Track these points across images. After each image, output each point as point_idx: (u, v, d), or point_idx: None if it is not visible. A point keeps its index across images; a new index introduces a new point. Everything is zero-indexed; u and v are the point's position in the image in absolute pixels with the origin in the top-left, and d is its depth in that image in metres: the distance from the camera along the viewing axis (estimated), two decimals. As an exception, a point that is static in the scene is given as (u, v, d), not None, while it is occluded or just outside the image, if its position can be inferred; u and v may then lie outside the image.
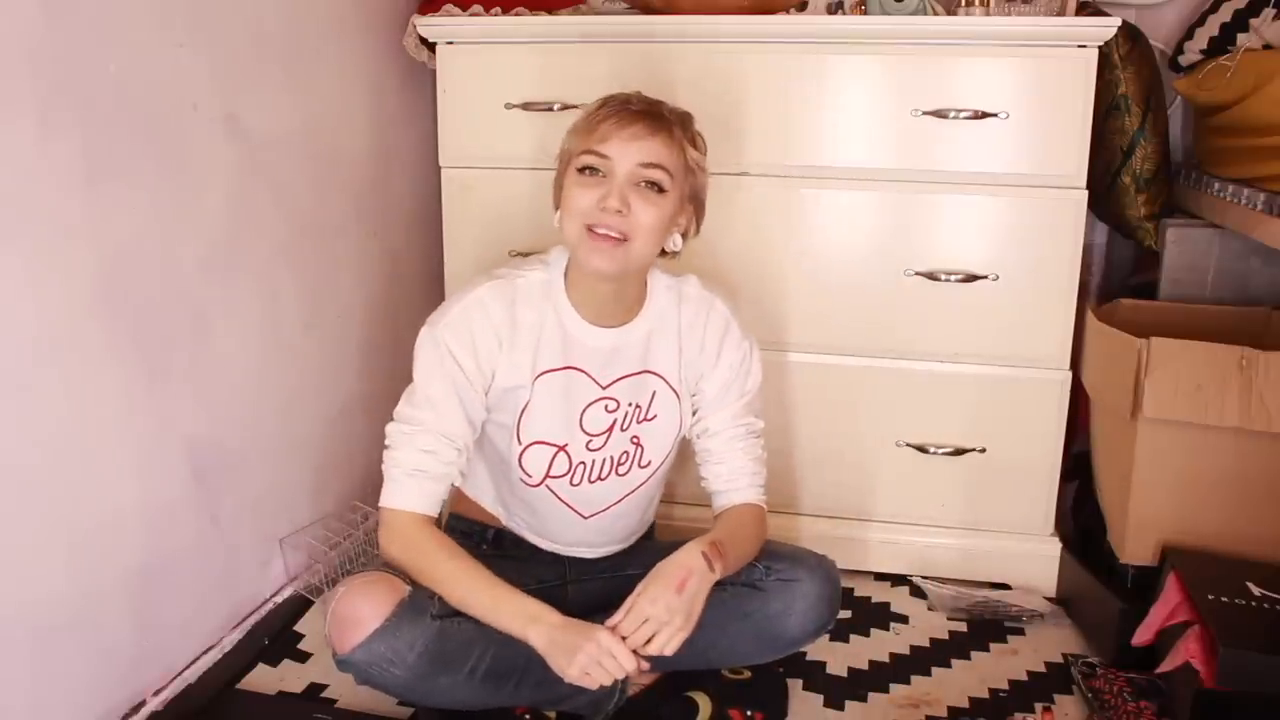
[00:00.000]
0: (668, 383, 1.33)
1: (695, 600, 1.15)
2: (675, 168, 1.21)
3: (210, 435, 1.35)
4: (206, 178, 1.31)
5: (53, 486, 1.10)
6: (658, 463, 1.36)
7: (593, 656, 1.09)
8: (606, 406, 1.30)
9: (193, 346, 1.31)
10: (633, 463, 1.34)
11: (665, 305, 1.33)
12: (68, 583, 1.13)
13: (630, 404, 1.31)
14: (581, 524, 1.36)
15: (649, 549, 1.44)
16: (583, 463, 1.31)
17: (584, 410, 1.29)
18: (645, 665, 1.12)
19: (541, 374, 1.27)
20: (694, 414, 1.37)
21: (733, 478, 1.35)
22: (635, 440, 1.33)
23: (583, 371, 1.29)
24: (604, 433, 1.31)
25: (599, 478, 1.33)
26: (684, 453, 1.47)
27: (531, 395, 1.27)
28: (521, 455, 1.30)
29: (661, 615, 1.12)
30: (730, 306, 1.37)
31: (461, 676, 1.19)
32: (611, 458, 1.32)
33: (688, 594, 1.14)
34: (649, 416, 1.33)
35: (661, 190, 1.20)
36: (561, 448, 1.30)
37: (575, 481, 1.32)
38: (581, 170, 1.20)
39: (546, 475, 1.31)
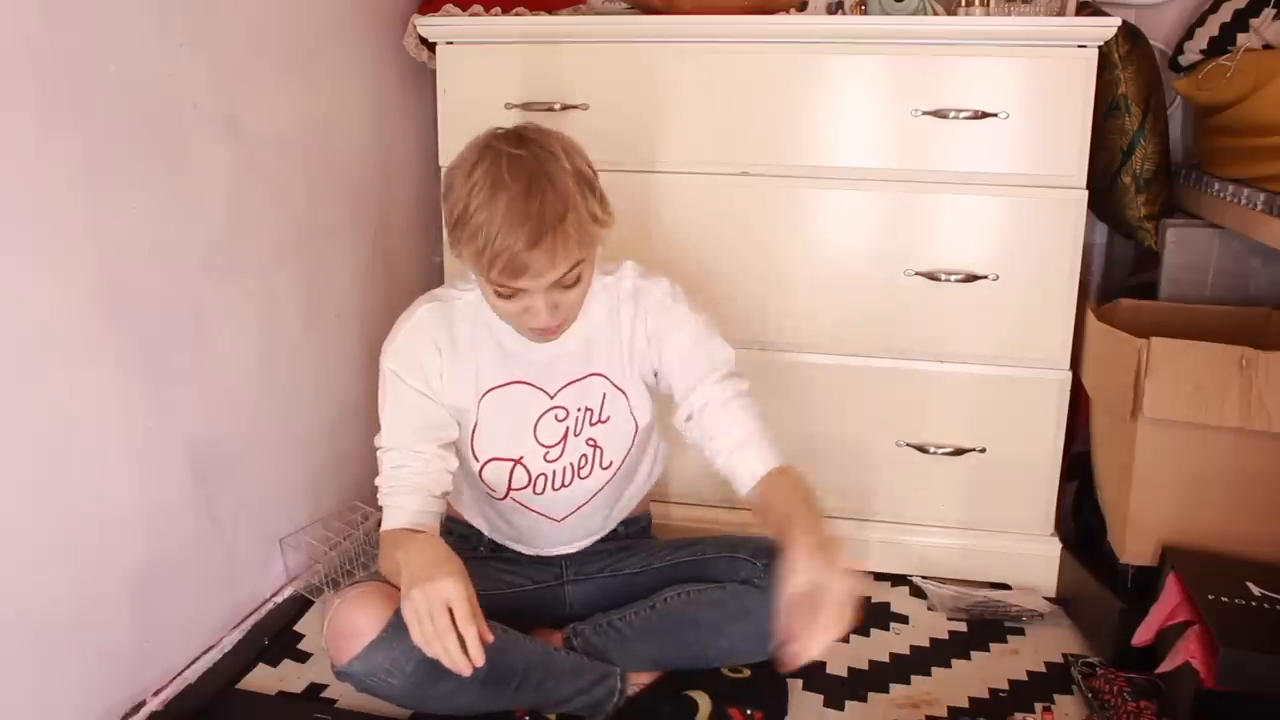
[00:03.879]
0: (613, 382, 1.31)
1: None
2: (586, 249, 1.14)
3: (210, 435, 1.35)
4: (206, 178, 1.31)
5: (53, 486, 1.10)
6: (619, 462, 1.35)
7: (416, 610, 1.02)
8: (557, 415, 1.30)
9: (193, 346, 1.31)
10: (593, 465, 1.33)
11: (602, 307, 1.29)
12: (68, 583, 1.13)
13: (580, 409, 1.30)
14: (556, 526, 1.37)
15: (648, 548, 1.44)
16: (543, 474, 1.31)
17: (536, 422, 1.29)
18: (479, 661, 1.02)
19: (487, 392, 1.27)
20: (674, 399, 1.29)
21: (747, 442, 1.21)
22: (591, 443, 1.32)
23: (528, 383, 1.28)
24: (559, 442, 1.31)
25: (562, 485, 1.33)
26: (675, 449, 1.47)
27: (479, 416, 1.28)
28: (481, 471, 1.31)
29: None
30: (670, 288, 1.29)
31: (460, 683, 1.19)
32: (571, 465, 1.32)
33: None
34: (602, 419, 1.32)
35: (580, 276, 1.16)
36: (517, 461, 1.30)
37: (539, 490, 1.33)
38: (495, 291, 1.15)
39: (509, 489, 1.32)
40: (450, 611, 1.03)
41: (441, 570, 1.05)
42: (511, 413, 1.29)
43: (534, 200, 1.08)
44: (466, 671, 1.02)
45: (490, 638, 1.05)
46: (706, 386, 1.26)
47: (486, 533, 1.44)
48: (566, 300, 1.17)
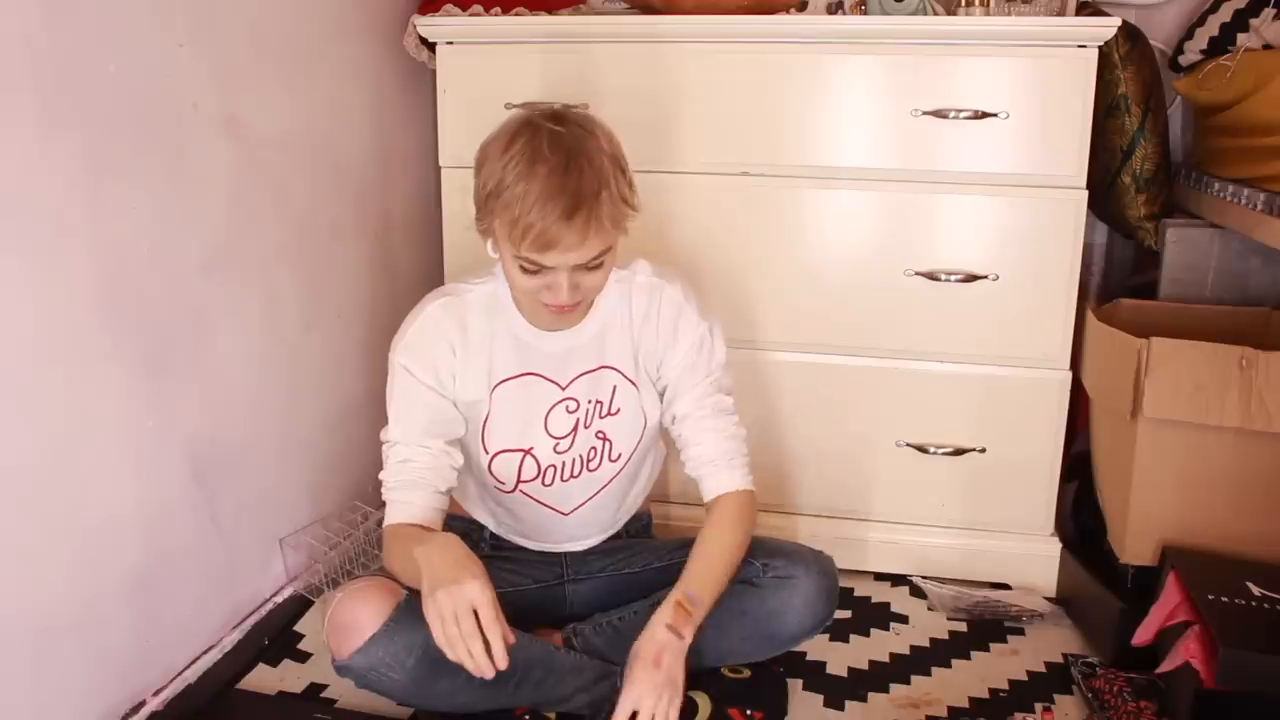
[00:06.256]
0: (625, 376, 1.32)
1: (674, 670, 1.13)
2: (616, 231, 1.17)
3: (210, 435, 1.35)
4: (206, 178, 1.31)
5: (53, 486, 1.10)
6: (627, 455, 1.35)
7: (441, 612, 1.03)
8: (568, 407, 1.30)
9: (193, 346, 1.31)
10: (602, 458, 1.34)
11: (615, 300, 1.31)
12: (68, 583, 1.13)
13: (590, 400, 1.31)
14: (564, 520, 1.37)
15: (648, 548, 1.44)
16: (552, 465, 1.32)
17: (547, 414, 1.30)
18: (502, 664, 1.04)
19: (499, 383, 1.28)
20: (663, 400, 1.34)
21: (711, 460, 1.30)
22: (601, 435, 1.32)
23: (540, 375, 1.29)
24: (569, 434, 1.31)
25: (571, 476, 1.33)
26: (671, 450, 1.47)
27: (491, 407, 1.28)
28: (490, 464, 1.31)
29: (649, 699, 1.10)
30: (684, 290, 1.33)
31: (461, 680, 1.18)
32: (581, 456, 1.33)
33: (665, 669, 1.12)
34: (612, 411, 1.32)
35: (605, 261, 1.18)
36: (527, 451, 1.31)
37: (548, 482, 1.33)
38: (520, 266, 1.16)
39: (518, 481, 1.32)
40: (475, 614, 1.03)
41: (466, 572, 1.05)
42: (523, 404, 1.29)
43: (571, 176, 1.10)
44: (490, 674, 1.03)
45: (513, 640, 1.06)
46: (692, 395, 1.31)
47: (492, 527, 1.44)
48: (588, 282, 1.18)
